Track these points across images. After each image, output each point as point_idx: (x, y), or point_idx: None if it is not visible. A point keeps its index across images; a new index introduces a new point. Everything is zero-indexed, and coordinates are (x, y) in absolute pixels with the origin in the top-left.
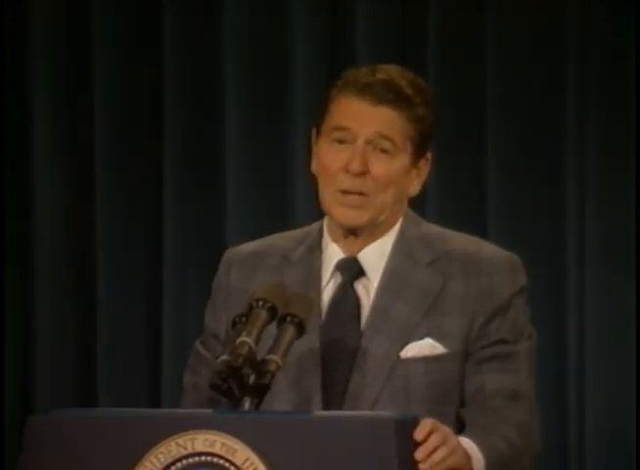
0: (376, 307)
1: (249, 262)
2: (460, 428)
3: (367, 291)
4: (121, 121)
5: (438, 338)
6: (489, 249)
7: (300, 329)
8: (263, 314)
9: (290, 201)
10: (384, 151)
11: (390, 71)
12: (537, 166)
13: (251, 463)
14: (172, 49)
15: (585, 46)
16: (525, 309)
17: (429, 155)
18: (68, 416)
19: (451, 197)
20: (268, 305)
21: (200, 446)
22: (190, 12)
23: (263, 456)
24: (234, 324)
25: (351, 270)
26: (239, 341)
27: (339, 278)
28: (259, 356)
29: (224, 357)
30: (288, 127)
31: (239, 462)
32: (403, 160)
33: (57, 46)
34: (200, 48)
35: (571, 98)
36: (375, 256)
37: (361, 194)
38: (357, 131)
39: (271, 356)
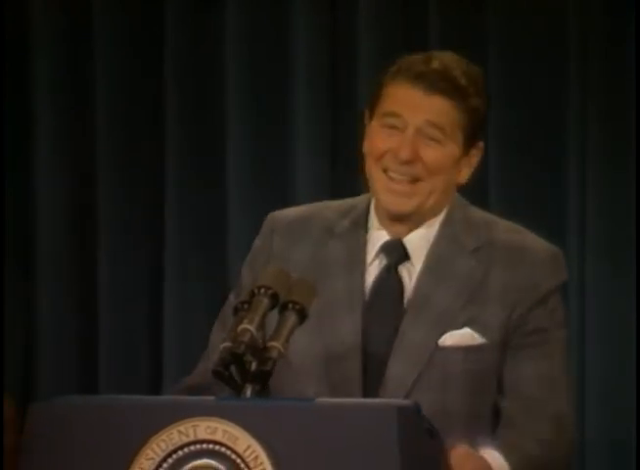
0: (418, 292)
1: (292, 229)
2: (496, 415)
3: (410, 275)
4: (123, 122)
5: (478, 328)
6: (533, 239)
7: (302, 316)
8: (265, 301)
9: (291, 200)
10: (434, 139)
11: (445, 60)
12: (539, 166)
13: (253, 451)
14: (174, 49)
15: (587, 45)
16: (562, 302)
17: (480, 144)
18: (69, 403)
19: None
20: (270, 292)
21: (202, 434)
22: (191, 11)
23: (265, 444)
24: (236, 311)
25: (396, 253)
26: (241, 328)
27: (384, 260)
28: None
29: (226, 344)
30: (288, 126)
31: (240, 450)
32: (453, 149)
33: (58, 45)
34: (201, 48)
35: (574, 97)
36: (421, 240)
37: (411, 181)
38: (409, 119)
39: (273, 343)
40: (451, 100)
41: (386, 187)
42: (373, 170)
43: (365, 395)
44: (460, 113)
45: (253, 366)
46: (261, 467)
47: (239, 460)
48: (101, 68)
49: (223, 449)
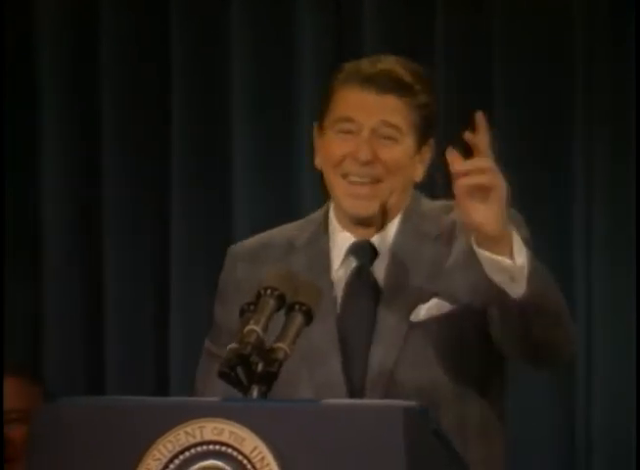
0: (387, 284)
1: (254, 255)
2: (484, 386)
3: (379, 271)
4: (128, 122)
5: (445, 297)
6: None
7: (308, 317)
8: (271, 302)
9: (295, 199)
10: (389, 138)
11: (391, 62)
12: (545, 166)
13: (260, 452)
14: (179, 49)
15: (592, 45)
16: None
17: (431, 141)
18: (76, 404)
19: None
20: (276, 293)
21: (208, 435)
22: (196, 11)
23: (271, 445)
24: (242, 312)
25: (366, 253)
26: (247, 329)
27: (353, 262)
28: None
29: (232, 346)
30: (295, 126)
31: (247, 451)
32: (409, 147)
33: (63, 45)
34: (206, 48)
35: (578, 97)
36: (384, 236)
37: (372, 182)
38: (363, 121)
39: (279, 344)
40: (403, 98)
41: (347, 192)
42: (332, 178)
43: (352, 388)
44: (412, 110)
45: (260, 367)
46: (268, 468)
47: (245, 461)
48: (106, 67)
49: (230, 450)
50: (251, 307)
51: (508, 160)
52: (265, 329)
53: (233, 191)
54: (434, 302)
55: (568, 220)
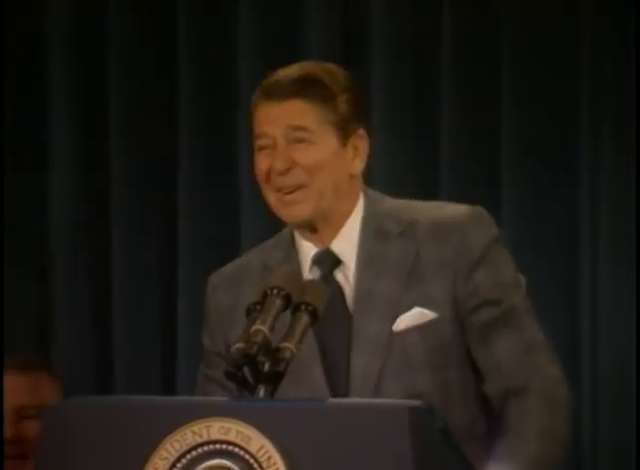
0: (358, 289)
1: (233, 280)
2: (468, 394)
3: (347, 278)
4: (135, 121)
5: (426, 305)
6: (453, 208)
7: (315, 317)
8: (278, 302)
9: None
10: (301, 141)
11: (293, 66)
12: (552, 167)
13: (266, 451)
14: (185, 50)
15: (599, 45)
16: (506, 258)
17: (361, 132)
18: (84, 404)
19: (465, 198)
20: (283, 293)
21: (215, 434)
22: (203, 11)
23: (278, 444)
24: (248, 312)
25: (327, 262)
26: (253, 329)
27: (317, 272)
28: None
29: (239, 345)
30: None
31: (253, 450)
32: (327, 144)
33: (70, 45)
34: (213, 48)
35: (585, 98)
36: (346, 241)
37: (296, 188)
38: (272, 132)
39: (286, 344)
40: (307, 98)
41: (279, 202)
42: (266, 194)
43: (336, 397)
44: (320, 107)
45: (266, 367)
46: (274, 467)
47: (252, 460)
48: (114, 68)
49: (236, 450)
50: (258, 307)
51: (513, 159)
52: (272, 329)
53: (240, 190)
54: (416, 310)
55: (575, 220)
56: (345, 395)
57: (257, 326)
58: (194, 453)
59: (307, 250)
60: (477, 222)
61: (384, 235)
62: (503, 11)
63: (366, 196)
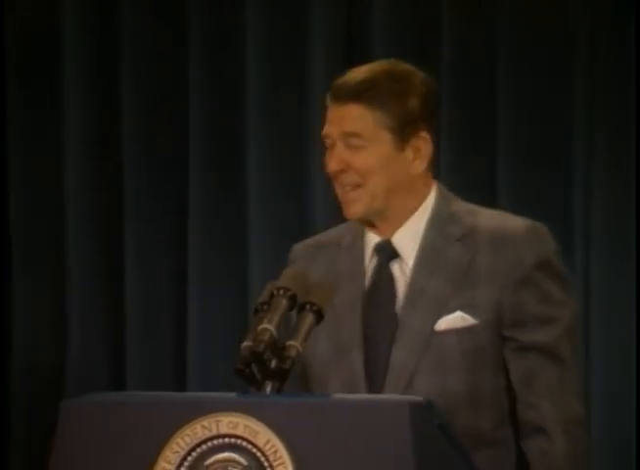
0: (412, 284)
1: (309, 252)
2: (498, 399)
3: (402, 270)
4: (147, 121)
5: (469, 310)
6: (514, 220)
7: (319, 316)
8: (284, 302)
9: (308, 200)
10: (355, 146)
11: (363, 67)
12: (548, 166)
13: (273, 445)
14: (194, 50)
15: (594, 46)
16: (557, 278)
17: (424, 134)
18: (98, 400)
19: (462, 197)
20: (289, 293)
21: (224, 429)
22: (211, 11)
23: (284, 438)
24: (256, 312)
25: (385, 252)
26: (261, 327)
27: (375, 260)
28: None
29: (247, 343)
30: (306, 128)
31: (260, 444)
32: (380, 149)
33: (86, 46)
34: (220, 48)
35: (580, 98)
36: (408, 236)
37: (353, 188)
38: (332, 134)
39: (291, 342)
40: (364, 103)
41: (342, 198)
42: (336, 188)
43: (372, 385)
44: (378, 113)
45: (273, 364)
46: (280, 460)
47: (259, 454)
48: (126, 70)
49: (244, 443)
50: (265, 307)
51: (510, 158)
52: (278, 328)
53: (249, 191)
54: (457, 314)
55: (570, 220)
56: (381, 385)
57: (265, 325)
58: (204, 447)
59: (371, 238)
60: (532, 239)
61: (445, 237)
62: (500, 11)
63: (438, 194)
